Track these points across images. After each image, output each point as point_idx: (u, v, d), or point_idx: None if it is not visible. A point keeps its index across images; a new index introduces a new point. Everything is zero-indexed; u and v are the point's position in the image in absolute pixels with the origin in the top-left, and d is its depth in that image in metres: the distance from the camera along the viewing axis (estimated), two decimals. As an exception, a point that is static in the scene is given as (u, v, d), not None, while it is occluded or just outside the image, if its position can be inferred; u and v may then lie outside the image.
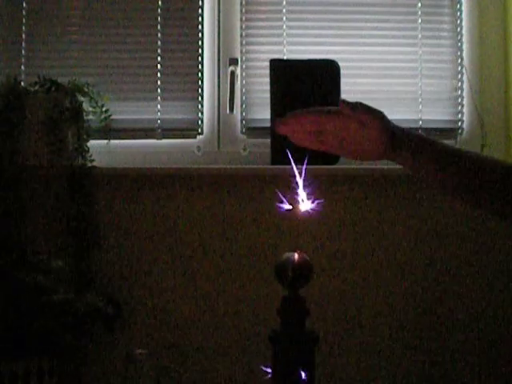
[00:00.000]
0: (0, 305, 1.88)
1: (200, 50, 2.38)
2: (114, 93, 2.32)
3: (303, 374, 1.26)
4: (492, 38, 2.39)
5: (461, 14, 2.40)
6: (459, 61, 2.39)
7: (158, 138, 2.35)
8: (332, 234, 2.24)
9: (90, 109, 2.23)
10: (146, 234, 2.23)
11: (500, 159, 1.37)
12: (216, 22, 2.38)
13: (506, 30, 2.37)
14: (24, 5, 2.37)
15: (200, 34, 2.38)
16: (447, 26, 2.41)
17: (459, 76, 2.39)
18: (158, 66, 2.37)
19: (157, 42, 2.37)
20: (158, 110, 2.36)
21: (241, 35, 2.38)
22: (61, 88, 2.17)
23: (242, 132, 2.37)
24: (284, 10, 2.38)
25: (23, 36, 2.37)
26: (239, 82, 2.36)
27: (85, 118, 2.20)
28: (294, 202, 1.26)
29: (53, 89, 2.17)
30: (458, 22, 2.40)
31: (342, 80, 2.30)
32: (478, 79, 2.38)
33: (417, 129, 2.36)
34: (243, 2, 2.38)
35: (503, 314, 2.24)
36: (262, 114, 2.33)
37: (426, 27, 2.39)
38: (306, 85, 2.29)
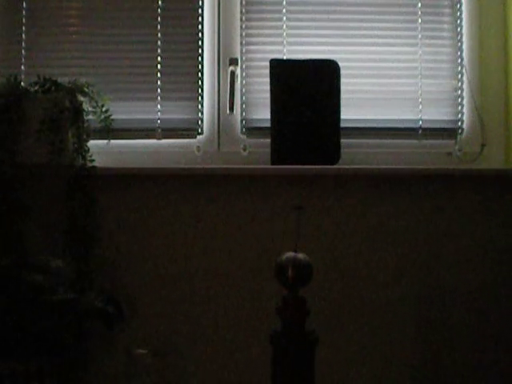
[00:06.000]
0: (0, 305, 1.88)
1: (200, 50, 2.38)
2: (114, 93, 2.32)
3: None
4: (492, 38, 2.39)
5: (461, 14, 2.40)
6: (459, 61, 2.39)
7: (158, 138, 2.35)
8: (332, 233, 2.25)
9: (90, 109, 2.23)
10: (145, 233, 2.23)
11: None
12: (216, 22, 2.39)
13: (506, 30, 2.37)
14: (24, 5, 2.38)
15: (200, 34, 2.38)
16: (447, 26, 2.41)
17: (459, 76, 2.39)
18: (158, 66, 2.37)
19: (157, 42, 2.37)
20: (158, 110, 2.36)
21: (241, 35, 2.38)
22: (61, 88, 2.17)
23: (241, 132, 2.37)
24: (284, 10, 2.39)
25: (23, 36, 2.37)
26: (239, 82, 2.36)
27: (85, 117, 2.20)
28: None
29: (53, 89, 2.17)
30: (458, 21, 2.40)
31: (342, 80, 2.30)
32: (478, 79, 2.38)
33: (417, 129, 2.36)
34: (243, 2, 2.39)
35: (504, 311, 2.25)
36: (262, 113, 2.34)
37: (426, 27, 2.39)
38: (305, 85, 2.29)
